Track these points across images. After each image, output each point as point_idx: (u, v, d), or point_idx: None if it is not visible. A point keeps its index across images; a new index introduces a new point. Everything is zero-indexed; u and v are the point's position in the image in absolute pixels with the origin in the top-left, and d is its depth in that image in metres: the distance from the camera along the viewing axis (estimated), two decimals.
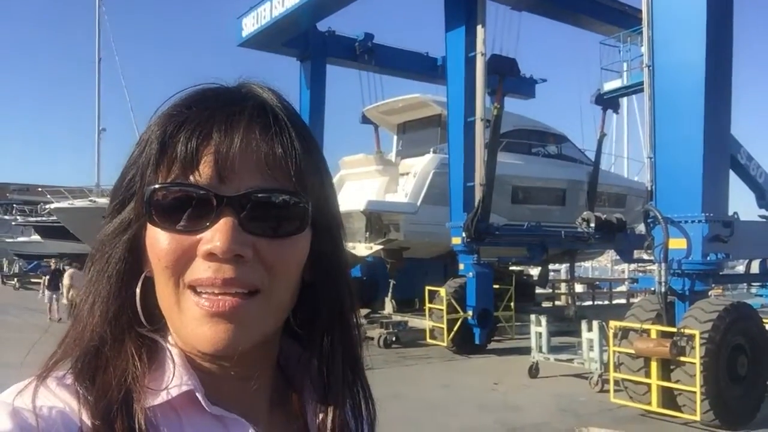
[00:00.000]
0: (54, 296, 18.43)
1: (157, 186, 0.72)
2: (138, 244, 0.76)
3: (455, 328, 14.48)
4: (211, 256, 0.70)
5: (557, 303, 23.46)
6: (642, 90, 11.99)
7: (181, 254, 0.71)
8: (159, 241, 0.72)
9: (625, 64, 18.38)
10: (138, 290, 0.76)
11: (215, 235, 0.70)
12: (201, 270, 0.70)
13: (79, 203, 32.47)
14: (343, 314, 0.84)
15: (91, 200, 32.96)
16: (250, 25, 19.54)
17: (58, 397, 0.69)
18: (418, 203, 17.66)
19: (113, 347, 0.73)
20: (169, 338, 0.76)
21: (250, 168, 0.72)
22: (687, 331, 8.54)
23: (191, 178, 0.72)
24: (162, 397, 0.72)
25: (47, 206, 33.92)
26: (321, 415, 0.81)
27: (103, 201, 32.37)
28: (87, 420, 0.68)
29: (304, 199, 0.74)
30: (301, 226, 0.75)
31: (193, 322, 0.71)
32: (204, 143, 0.72)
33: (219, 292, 0.70)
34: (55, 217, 33.61)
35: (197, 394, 0.73)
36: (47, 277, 19.75)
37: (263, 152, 0.73)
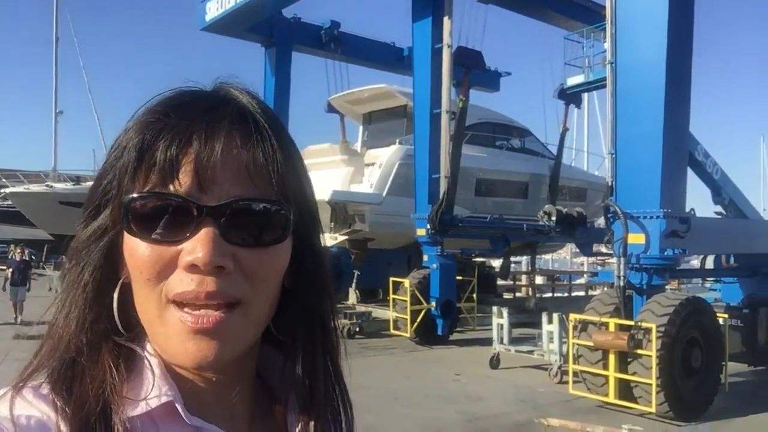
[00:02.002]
0: (19, 293, 15.73)
1: (135, 195, 0.71)
2: (114, 251, 0.74)
3: (418, 319, 14.58)
4: (192, 267, 0.69)
5: (518, 294, 23.77)
6: (604, 86, 12.18)
7: (162, 266, 0.70)
8: (138, 252, 0.71)
9: (587, 60, 18.63)
10: (115, 297, 0.75)
11: (196, 246, 0.69)
12: (184, 283, 0.69)
13: (35, 188, 31.68)
14: (324, 322, 0.84)
15: (47, 185, 32.19)
16: (213, 9, 19.17)
17: (36, 407, 0.68)
18: (384, 194, 17.67)
19: (90, 357, 0.72)
20: (147, 346, 0.75)
21: (231, 177, 0.71)
22: (644, 325, 8.75)
23: (171, 187, 0.70)
24: (141, 407, 0.71)
25: (2, 191, 32.98)
26: (301, 424, 0.81)
27: (60, 186, 31.64)
28: (65, 430, 0.67)
29: (285, 208, 0.74)
30: (283, 234, 0.74)
31: (177, 337, 0.70)
32: (184, 151, 0.71)
33: (201, 305, 0.70)
34: (9, 202, 32.74)
35: (177, 405, 0.72)
36: (11, 269, 16.37)
37: (244, 160, 0.72)
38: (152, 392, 0.71)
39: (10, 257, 18.37)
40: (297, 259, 0.78)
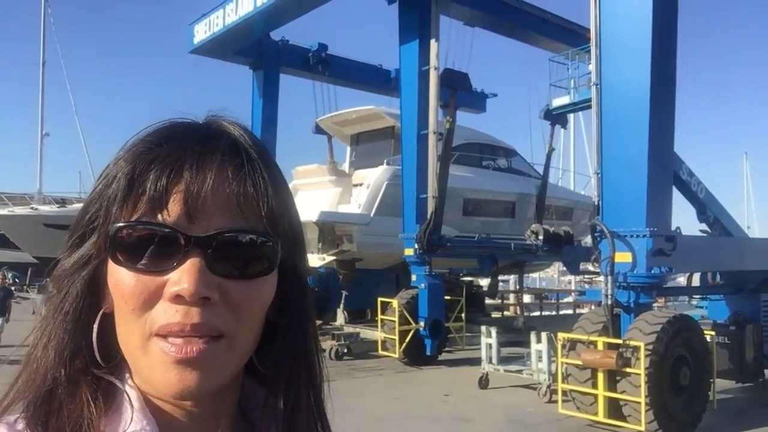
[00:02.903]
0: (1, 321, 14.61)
1: (123, 224, 0.70)
2: (97, 281, 0.74)
3: (407, 340, 14.51)
4: (178, 298, 0.68)
5: (506, 313, 23.75)
6: (589, 107, 12.31)
7: (147, 296, 0.69)
8: (124, 281, 0.70)
9: (572, 81, 18.83)
10: (95, 328, 0.73)
11: (182, 277, 0.68)
12: (169, 314, 0.68)
13: (19, 210, 31.43)
14: (308, 356, 0.83)
15: (32, 207, 31.95)
16: (202, 32, 19.28)
17: None
18: (371, 214, 17.68)
19: (67, 390, 0.71)
20: (127, 379, 0.74)
21: (220, 208, 0.71)
22: (632, 343, 8.77)
23: (159, 216, 0.70)
24: None
25: None
26: None
27: (45, 208, 31.42)
28: None
29: (273, 240, 0.74)
30: (270, 267, 0.74)
31: (160, 367, 0.69)
32: (174, 182, 0.70)
33: (185, 336, 0.69)
34: None
35: None
36: None
37: (235, 192, 0.72)
38: (130, 427, 0.70)
39: None
40: (283, 291, 0.78)
